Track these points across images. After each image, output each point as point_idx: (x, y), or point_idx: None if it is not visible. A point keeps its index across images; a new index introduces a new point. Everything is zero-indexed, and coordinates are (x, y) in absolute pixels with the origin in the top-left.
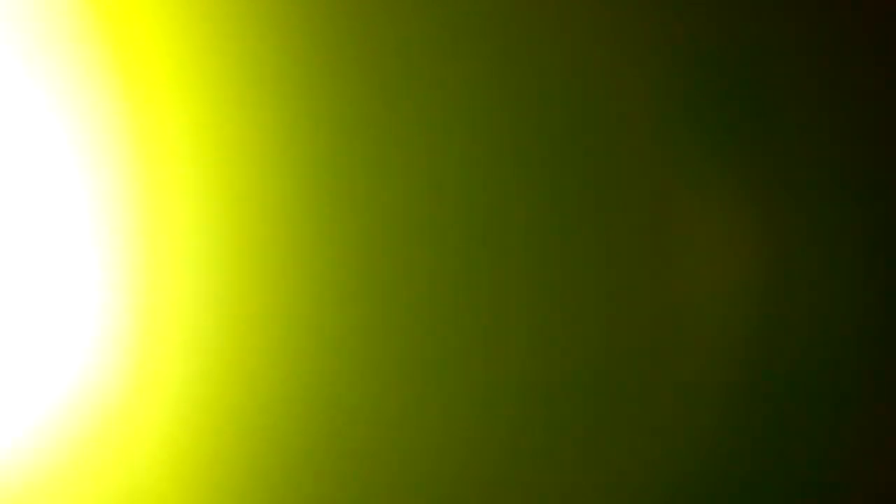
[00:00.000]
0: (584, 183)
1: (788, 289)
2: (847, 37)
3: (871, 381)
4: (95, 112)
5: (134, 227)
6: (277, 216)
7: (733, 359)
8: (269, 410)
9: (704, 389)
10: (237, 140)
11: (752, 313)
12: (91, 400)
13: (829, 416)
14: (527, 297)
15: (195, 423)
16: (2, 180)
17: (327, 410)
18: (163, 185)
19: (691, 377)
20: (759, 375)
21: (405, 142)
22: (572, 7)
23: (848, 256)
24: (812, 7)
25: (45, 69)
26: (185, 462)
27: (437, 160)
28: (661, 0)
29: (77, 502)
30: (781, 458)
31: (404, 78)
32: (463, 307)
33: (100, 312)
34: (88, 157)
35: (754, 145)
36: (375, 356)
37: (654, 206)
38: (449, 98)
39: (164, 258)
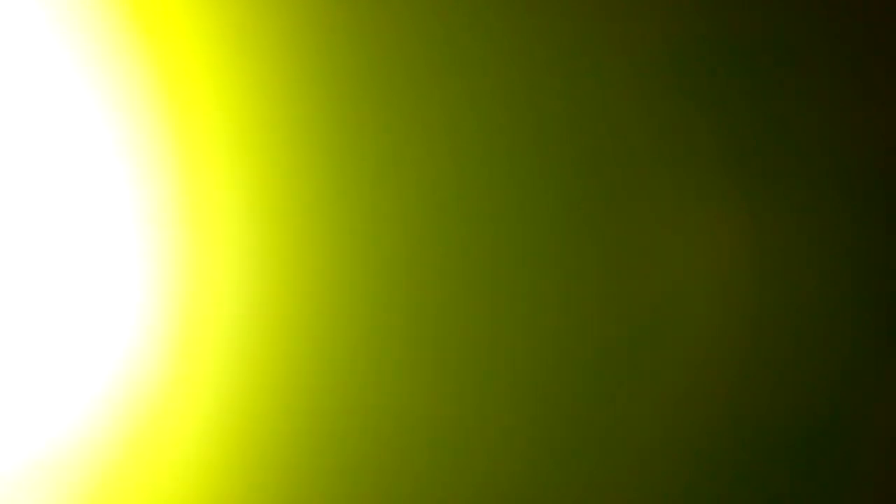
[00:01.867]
0: (579, 185)
1: (778, 287)
2: (841, 38)
3: (861, 378)
4: (137, 116)
5: (174, 226)
6: (314, 214)
7: (724, 356)
8: (305, 401)
9: (696, 389)
10: (275, 143)
11: (743, 312)
12: (131, 394)
13: (819, 414)
14: (522, 296)
15: (233, 416)
16: (50, 181)
17: (361, 403)
18: (201, 184)
19: (681, 374)
20: (749, 372)
21: (435, 149)
22: (571, 9)
23: (838, 255)
24: (806, 8)
25: (87, 73)
26: (222, 453)
27: (457, 162)
28: (656, 3)
29: (121, 490)
30: (770, 457)
31: (424, 80)
32: (486, 307)
33: (140, 309)
34: (132, 156)
35: (745, 144)
36: (402, 351)
37: (649, 208)
38: (461, 104)
39: (203, 254)
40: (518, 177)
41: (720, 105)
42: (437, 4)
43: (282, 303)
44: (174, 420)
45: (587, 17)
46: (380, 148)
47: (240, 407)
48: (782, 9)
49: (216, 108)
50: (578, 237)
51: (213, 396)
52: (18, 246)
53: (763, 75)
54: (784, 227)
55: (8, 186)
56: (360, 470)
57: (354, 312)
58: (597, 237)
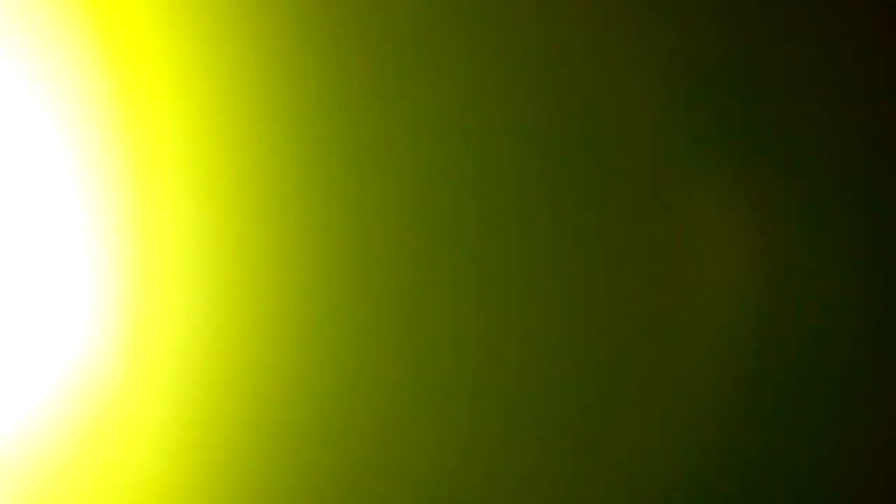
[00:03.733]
0: (582, 184)
1: (787, 289)
2: (845, 37)
3: (870, 380)
4: (91, 111)
5: (129, 223)
6: (271, 213)
7: (732, 359)
8: (263, 404)
9: (702, 390)
10: (232, 139)
11: (751, 313)
12: (86, 394)
13: (827, 416)
14: (525, 297)
15: (189, 417)
16: (4, 181)
17: (322, 405)
18: (157, 181)
19: (689, 377)
20: (758, 375)
21: (402, 142)
22: (572, 8)
23: (846, 255)
24: (811, 8)
25: (40, 69)
26: (180, 455)
27: (437, 160)
28: (661, 2)
29: (73, 495)
30: (779, 459)
31: (402, 78)
32: (462, 307)
33: (95, 307)
34: (84, 155)
35: (753, 145)
36: (369, 351)
37: (653, 207)
38: (449, 98)
39: (159, 253)
40: (521, 178)
41: (730, 103)
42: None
43: (240, 302)
44: (129, 420)
45: (594, 13)
46: (359, 146)
47: (197, 406)
48: (792, 6)
49: (171, 105)
50: (586, 238)
51: (169, 398)
52: None
53: (774, 73)
54: (796, 227)
55: None
56: (325, 472)
57: (316, 310)
58: (605, 238)
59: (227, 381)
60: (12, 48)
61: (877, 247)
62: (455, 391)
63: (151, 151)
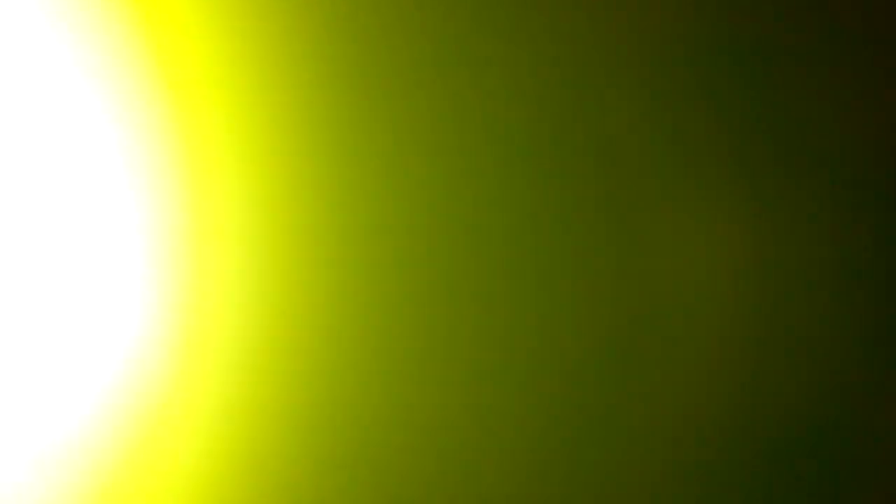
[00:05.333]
0: (582, 185)
1: (784, 287)
2: (844, 36)
3: (867, 381)
4: (142, 115)
5: (180, 224)
6: (320, 216)
7: (726, 360)
8: (313, 401)
9: (697, 391)
10: (282, 141)
11: (749, 313)
12: (135, 397)
13: (825, 417)
14: (527, 297)
15: (238, 418)
16: (55, 181)
17: (365, 405)
18: (209, 183)
19: (682, 379)
20: (756, 374)
21: (434, 148)
22: (573, 8)
23: (842, 256)
24: (809, 7)
25: (92, 73)
26: (226, 455)
27: (462, 166)
28: (659, 2)
29: (127, 490)
30: (777, 458)
31: (432, 85)
32: (486, 306)
33: (144, 308)
34: (137, 157)
35: (750, 145)
36: (406, 352)
37: (650, 208)
38: (468, 106)
39: (210, 254)
40: (522, 177)
41: (725, 103)
42: (444, 5)
43: (287, 305)
44: (178, 422)
45: (592, 17)
46: (386, 152)
47: (245, 409)
48: (787, 7)
49: (221, 109)
50: (582, 238)
51: (217, 399)
52: (22, 248)
53: (771, 72)
54: (790, 226)
55: (12, 188)
56: (367, 473)
57: (360, 315)
58: (601, 238)
59: (277, 379)
60: (64, 49)
61: (876, 245)
62: (484, 390)
63: (203, 153)
